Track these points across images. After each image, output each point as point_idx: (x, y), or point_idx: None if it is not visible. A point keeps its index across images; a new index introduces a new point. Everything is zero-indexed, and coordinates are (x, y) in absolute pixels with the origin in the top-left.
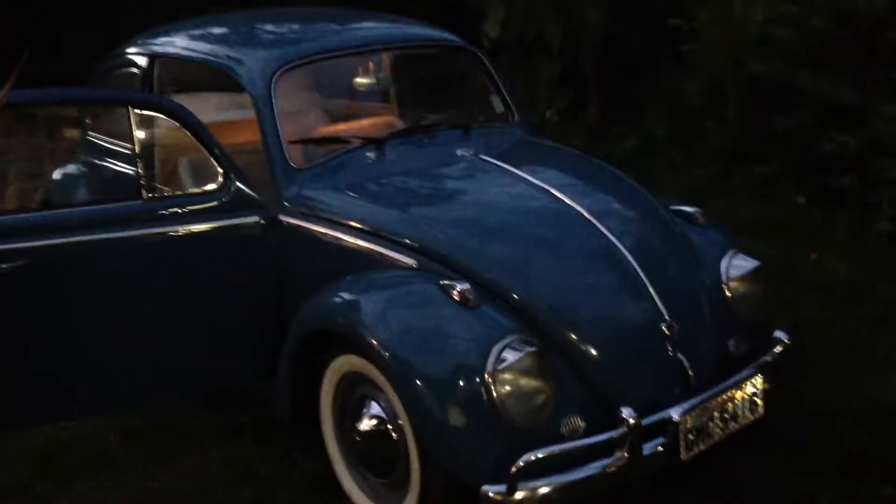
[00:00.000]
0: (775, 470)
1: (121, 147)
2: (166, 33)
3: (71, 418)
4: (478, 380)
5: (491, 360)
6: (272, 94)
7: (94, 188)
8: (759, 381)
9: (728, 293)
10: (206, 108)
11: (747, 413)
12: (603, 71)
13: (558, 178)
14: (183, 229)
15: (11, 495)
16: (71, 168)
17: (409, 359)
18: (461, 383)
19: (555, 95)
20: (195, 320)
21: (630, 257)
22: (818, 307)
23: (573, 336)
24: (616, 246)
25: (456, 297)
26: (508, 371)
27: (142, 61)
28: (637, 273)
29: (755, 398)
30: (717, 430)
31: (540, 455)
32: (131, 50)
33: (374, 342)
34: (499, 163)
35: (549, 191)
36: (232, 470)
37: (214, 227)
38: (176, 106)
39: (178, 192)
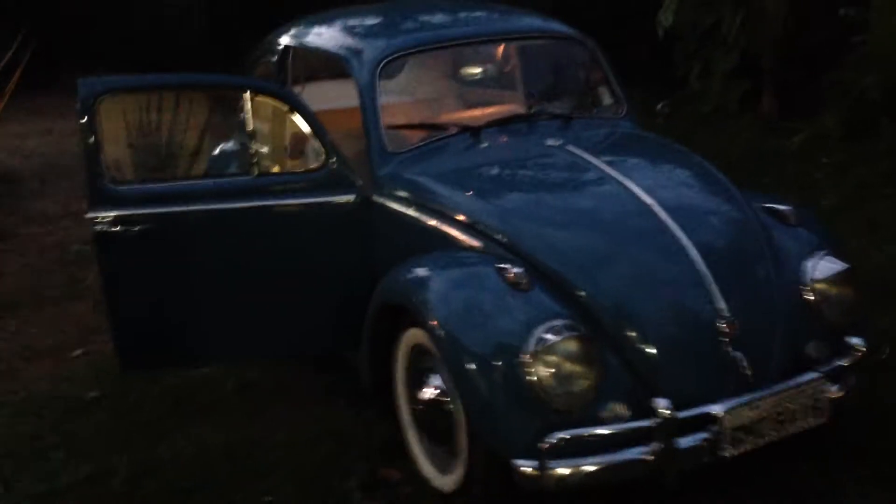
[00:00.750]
0: (837, 475)
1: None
2: (300, 25)
3: (193, 366)
4: (517, 359)
5: (532, 340)
6: (375, 81)
7: (236, 164)
8: (823, 386)
9: (811, 295)
10: (329, 95)
11: (809, 417)
12: (780, 62)
13: (639, 171)
14: (286, 203)
15: (140, 429)
16: (228, 145)
17: (456, 334)
18: (502, 361)
19: (730, 87)
20: (294, 287)
21: (696, 253)
22: None
23: (624, 326)
24: (681, 241)
25: (509, 280)
26: (548, 352)
27: (278, 50)
28: (700, 269)
29: (818, 403)
30: (771, 431)
31: (568, 435)
32: (272, 40)
33: (428, 316)
34: (584, 154)
35: (623, 183)
36: (319, 427)
37: (313, 203)
38: (286, 92)
39: (284, 170)
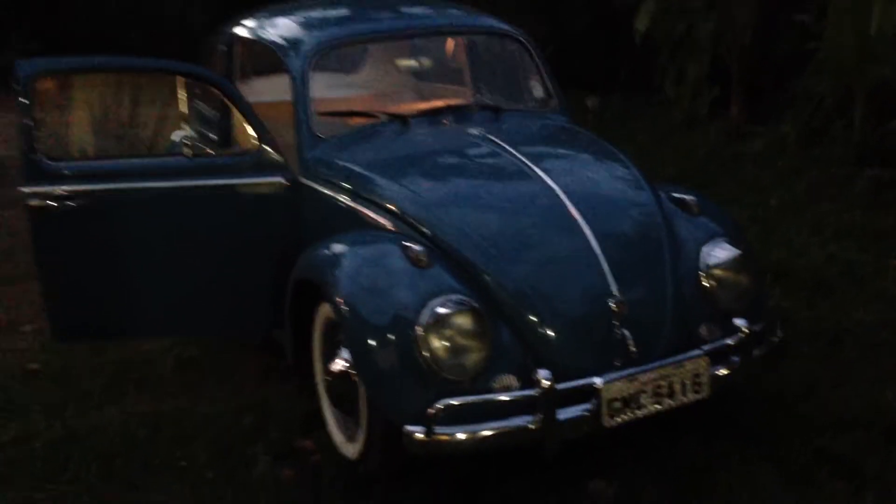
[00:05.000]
0: (725, 455)
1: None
2: (254, 15)
3: (124, 339)
4: (411, 330)
5: (426, 313)
6: (307, 71)
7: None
8: (703, 363)
9: (705, 280)
10: (278, 87)
11: (689, 393)
12: (748, 70)
13: (551, 161)
14: (217, 184)
15: (75, 398)
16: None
17: (357, 307)
18: (396, 332)
19: (701, 93)
20: (225, 267)
21: (593, 238)
22: (873, 314)
23: (519, 303)
24: (580, 226)
25: (411, 257)
26: (441, 325)
27: (227, 40)
28: (596, 252)
29: (698, 379)
30: (650, 403)
31: (455, 402)
32: (225, 28)
33: (334, 292)
34: (503, 144)
35: (533, 171)
36: (247, 401)
37: (244, 184)
38: (219, 79)
39: (216, 152)
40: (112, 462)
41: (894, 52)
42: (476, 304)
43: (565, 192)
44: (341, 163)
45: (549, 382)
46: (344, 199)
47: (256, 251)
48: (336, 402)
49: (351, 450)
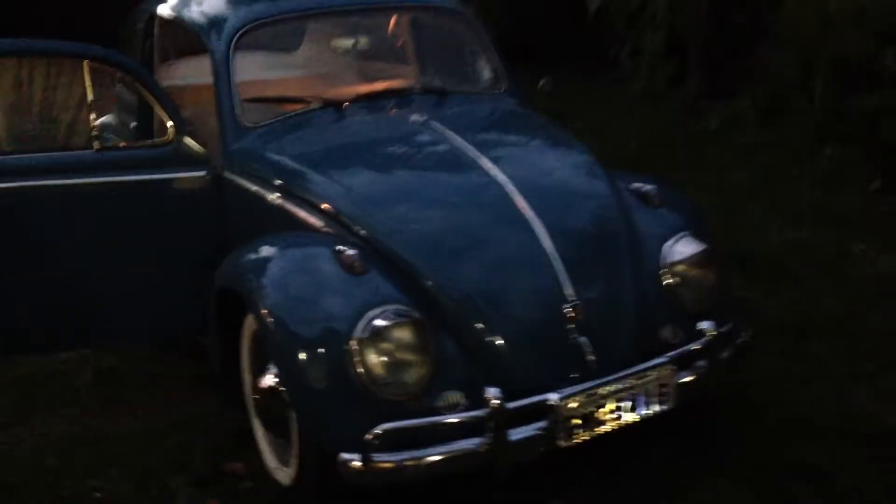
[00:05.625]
0: (692, 471)
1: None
2: None
3: (37, 353)
4: (344, 346)
5: (360, 326)
6: (230, 53)
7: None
8: (670, 371)
9: (668, 278)
10: (202, 68)
11: (654, 405)
12: (706, 43)
13: (500, 150)
14: (131, 180)
15: None
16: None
17: (283, 320)
18: (328, 348)
19: (658, 67)
20: (144, 270)
21: (545, 236)
22: (839, 303)
23: (465, 311)
24: (531, 224)
25: (343, 263)
26: (378, 339)
27: (145, 18)
28: (549, 252)
29: (663, 389)
30: (611, 420)
31: (393, 427)
32: (145, 6)
33: (257, 303)
34: (446, 132)
35: (479, 162)
36: (172, 417)
37: (161, 180)
38: (128, 61)
39: (128, 144)
40: (16, 493)
41: (855, 25)
42: (417, 315)
43: (514, 185)
44: (269, 155)
45: (498, 401)
46: (271, 196)
47: (176, 252)
48: (266, 424)
49: (284, 475)
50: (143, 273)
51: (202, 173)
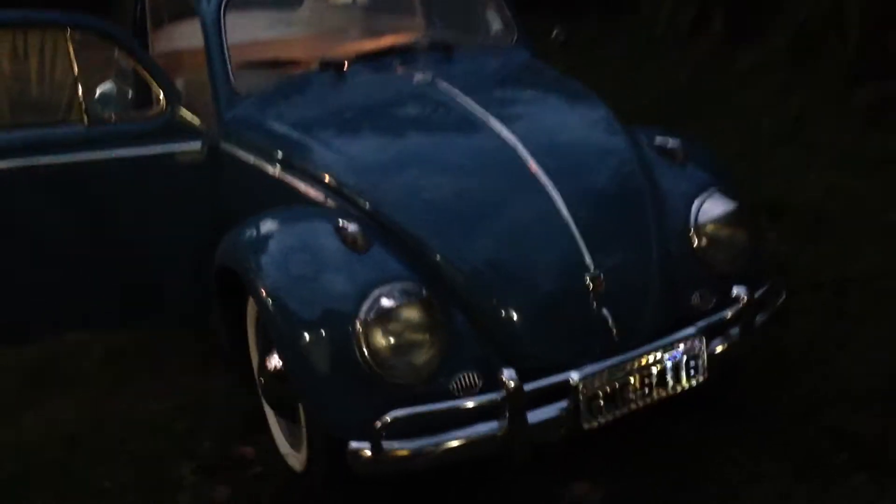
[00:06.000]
0: (723, 443)
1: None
2: None
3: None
4: (350, 328)
5: (365, 306)
6: (221, 14)
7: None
8: (700, 342)
9: (696, 241)
10: (191, 32)
11: (682, 379)
12: None
13: (511, 109)
14: (123, 156)
15: None
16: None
17: (283, 301)
18: (331, 330)
19: (680, 9)
20: (139, 250)
21: (561, 203)
22: (884, 256)
23: (476, 286)
24: (546, 189)
25: (345, 239)
26: (384, 320)
27: None
28: (566, 220)
29: (693, 362)
30: (638, 397)
31: (405, 414)
32: None
33: (255, 284)
34: (453, 92)
35: (488, 124)
36: (182, 399)
37: (155, 154)
38: (112, 28)
39: (119, 117)
40: (21, 483)
41: None
42: (424, 292)
43: (526, 147)
44: (266, 123)
45: (514, 383)
46: (269, 167)
47: (174, 230)
48: (274, 406)
49: (296, 460)
50: (140, 253)
51: (197, 145)
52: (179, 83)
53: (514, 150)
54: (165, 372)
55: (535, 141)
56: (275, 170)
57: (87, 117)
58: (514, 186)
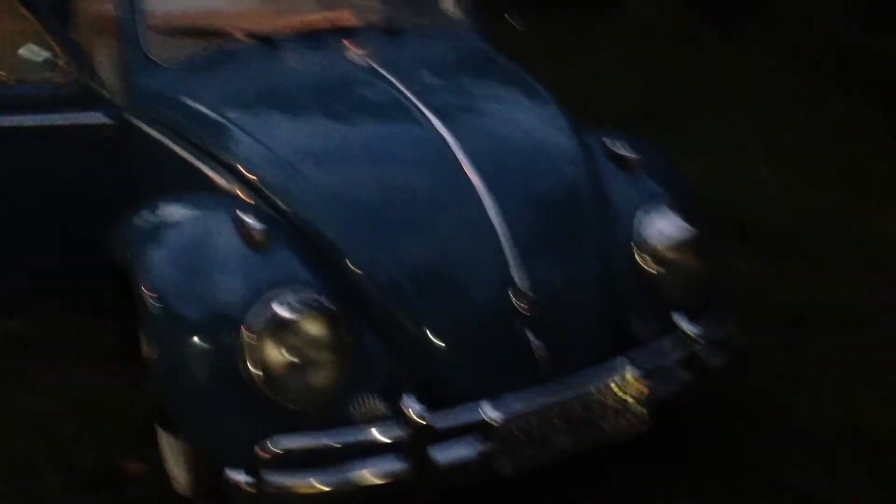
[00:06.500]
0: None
1: None
2: None
3: None
4: (234, 337)
5: (256, 311)
6: None
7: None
8: (639, 381)
9: (641, 260)
10: None
11: (619, 420)
12: None
13: (451, 100)
14: (21, 124)
15: None
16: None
17: (162, 304)
18: (214, 338)
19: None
20: (39, 228)
21: (491, 204)
22: (855, 282)
23: (392, 301)
24: (475, 191)
25: (245, 236)
26: (278, 331)
27: None
28: (494, 228)
29: (632, 405)
30: (565, 440)
31: (294, 444)
32: None
33: (137, 281)
34: (391, 77)
35: (422, 116)
36: (78, 397)
37: (55, 125)
38: None
39: (20, 80)
40: None
41: None
42: (326, 302)
43: (460, 142)
44: (179, 98)
45: (417, 414)
46: (176, 147)
47: (79, 209)
48: (157, 418)
49: (185, 481)
50: (44, 232)
51: (104, 118)
52: (103, 51)
53: (446, 147)
54: (62, 366)
55: (470, 137)
56: (181, 151)
57: None
58: (442, 188)
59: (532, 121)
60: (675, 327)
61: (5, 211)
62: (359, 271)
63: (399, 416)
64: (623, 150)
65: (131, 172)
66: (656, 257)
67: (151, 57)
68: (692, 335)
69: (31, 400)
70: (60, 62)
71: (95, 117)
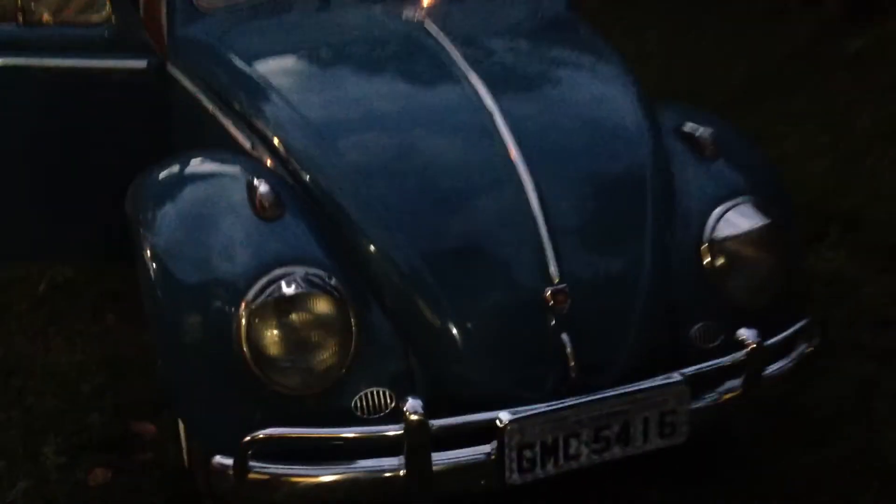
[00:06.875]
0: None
1: None
2: None
3: None
4: (233, 311)
5: (253, 291)
6: None
7: None
8: (681, 392)
9: (710, 259)
10: None
11: (653, 436)
12: None
13: (504, 70)
14: (59, 64)
15: None
16: None
17: (159, 264)
18: (210, 312)
19: None
20: (75, 175)
21: (532, 190)
22: None
23: (406, 283)
24: (516, 172)
25: (252, 200)
26: (277, 311)
27: None
28: (534, 213)
29: (669, 416)
30: (587, 451)
31: (280, 432)
32: None
33: (139, 246)
34: (443, 38)
35: (466, 83)
36: (109, 352)
37: (94, 68)
38: None
39: (57, 20)
40: None
41: None
42: (336, 281)
43: (505, 117)
44: (215, 48)
45: (417, 416)
46: (207, 102)
47: (113, 157)
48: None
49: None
50: (77, 179)
51: (142, 64)
52: None
53: (489, 120)
54: (101, 316)
55: (519, 111)
56: (210, 105)
57: (23, 16)
58: (477, 166)
59: (595, 96)
60: (742, 344)
61: (41, 151)
62: (375, 251)
63: (399, 414)
64: (699, 132)
65: (167, 124)
66: (728, 256)
67: (195, 2)
68: (754, 342)
69: (63, 350)
70: (104, 4)
71: (136, 63)
